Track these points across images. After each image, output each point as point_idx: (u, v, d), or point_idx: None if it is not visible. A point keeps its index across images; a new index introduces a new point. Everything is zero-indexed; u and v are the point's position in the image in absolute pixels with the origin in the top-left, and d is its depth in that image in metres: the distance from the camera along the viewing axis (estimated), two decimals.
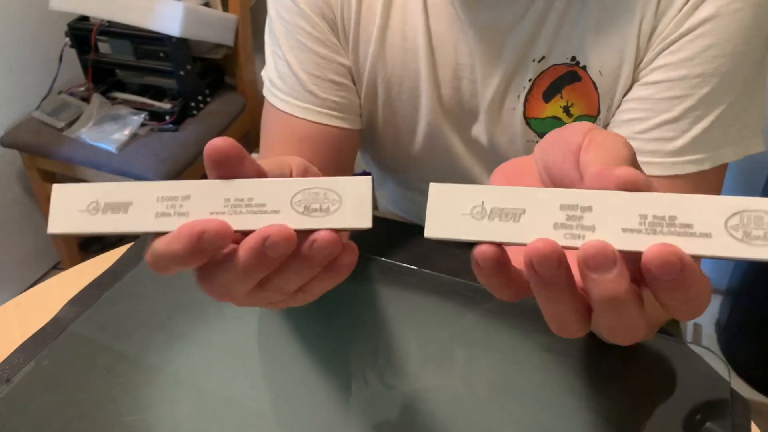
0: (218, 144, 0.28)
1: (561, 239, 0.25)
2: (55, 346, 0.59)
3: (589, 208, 0.25)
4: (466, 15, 0.56)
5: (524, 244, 0.25)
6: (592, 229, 0.25)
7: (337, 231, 0.28)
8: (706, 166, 0.53)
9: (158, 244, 0.28)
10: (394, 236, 0.73)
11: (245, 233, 0.28)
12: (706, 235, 0.24)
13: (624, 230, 0.25)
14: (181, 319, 0.63)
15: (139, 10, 1.39)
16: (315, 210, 0.28)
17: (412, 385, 0.56)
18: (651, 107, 0.52)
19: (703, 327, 1.57)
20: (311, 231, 0.28)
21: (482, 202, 0.27)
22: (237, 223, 0.28)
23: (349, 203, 0.28)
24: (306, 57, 0.60)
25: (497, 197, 0.27)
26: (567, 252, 0.25)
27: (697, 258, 0.24)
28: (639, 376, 0.57)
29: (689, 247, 0.24)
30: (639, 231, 0.25)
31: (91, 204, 0.29)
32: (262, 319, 0.63)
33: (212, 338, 0.61)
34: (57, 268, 1.78)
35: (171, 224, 0.29)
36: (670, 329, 0.74)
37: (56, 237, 1.61)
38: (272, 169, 0.31)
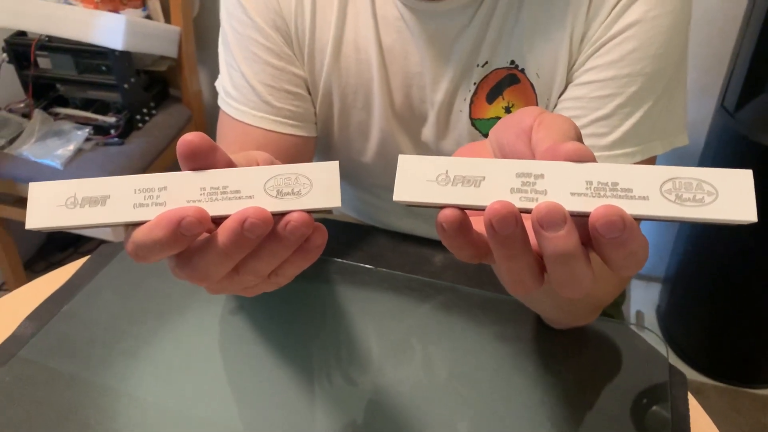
0: (190, 138, 0.30)
1: (517, 202, 0.28)
2: (15, 362, 0.59)
3: (542, 176, 0.28)
4: (416, 25, 0.58)
5: (484, 207, 0.28)
6: (544, 193, 0.28)
7: (309, 212, 0.30)
8: (637, 159, 0.57)
9: (139, 233, 0.30)
10: (349, 237, 0.75)
11: (222, 219, 0.30)
12: (644, 198, 0.27)
13: (572, 194, 0.28)
14: (143, 328, 0.63)
15: (79, 24, 1.37)
16: (287, 193, 0.30)
17: (374, 380, 0.58)
18: (585, 105, 0.56)
19: (645, 314, 1.64)
20: (285, 213, 0.30)
21: (446, 171, 0.30)
22: (214, 210, 0.30)
23: (319, 186, 0.30)
24: (260, 68, 0.61)
25: (460, 166, 0.29)
26: (523, 217, 0.28)
27: (637, 218, 0.27)
28: (585, 356, 0.61)
29: (630, 208, 0.27)
30: (586, 195, 0.28)
31: (69, 199, 0.30)
32: (224, 324, 0.64)
33: (175, 345, 0.62)
34: (2, 289, 1.73)
35: (150, 213, 0.30)
36: (614, 314, 0.78)
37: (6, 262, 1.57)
38: (241, 162, 0.33)
